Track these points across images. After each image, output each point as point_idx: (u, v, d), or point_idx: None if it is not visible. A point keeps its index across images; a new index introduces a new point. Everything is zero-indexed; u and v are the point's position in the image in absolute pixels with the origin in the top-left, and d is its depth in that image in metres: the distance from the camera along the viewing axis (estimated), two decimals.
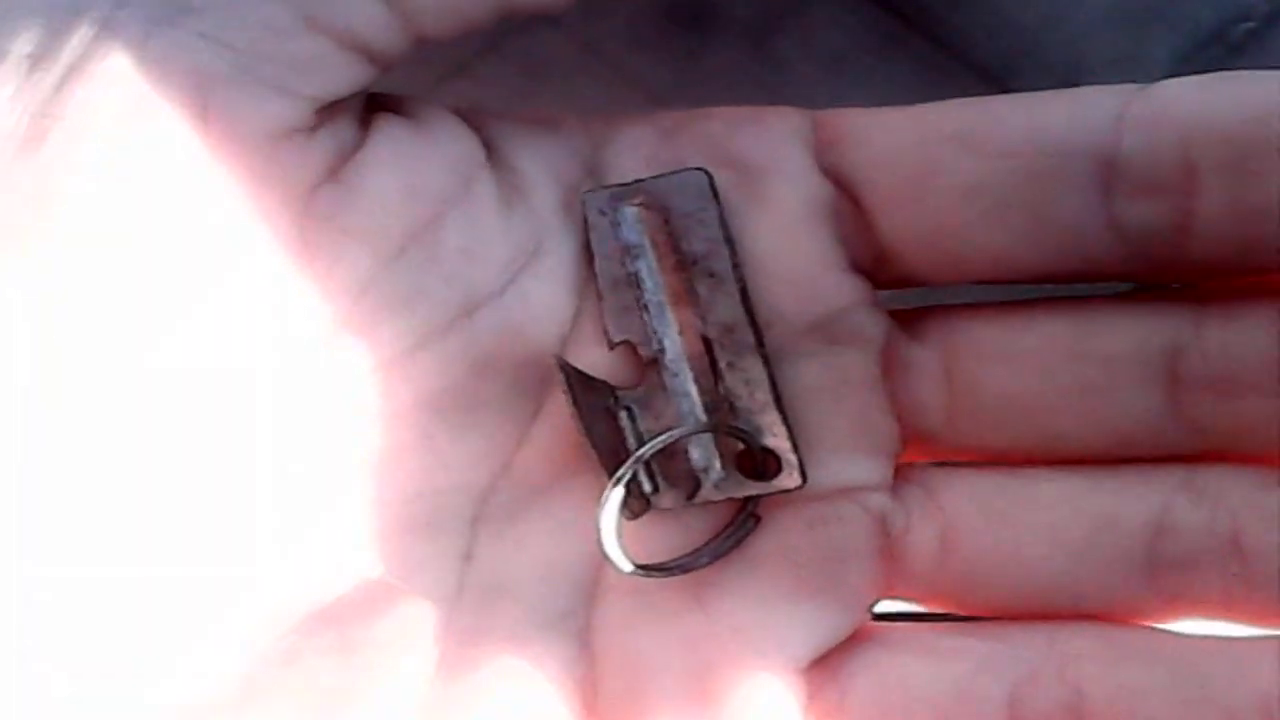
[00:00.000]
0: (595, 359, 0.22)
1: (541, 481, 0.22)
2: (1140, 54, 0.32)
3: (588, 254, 0.22)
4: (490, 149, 0.22)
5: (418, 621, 0.21)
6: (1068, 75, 0.33)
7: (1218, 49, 0.32)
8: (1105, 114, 0.20)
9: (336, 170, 0.20)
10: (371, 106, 0.21)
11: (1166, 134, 0.20)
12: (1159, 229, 0.20)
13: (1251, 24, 0.32)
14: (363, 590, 0.21)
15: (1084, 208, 0.20)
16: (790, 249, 0.22)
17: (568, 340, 0.22)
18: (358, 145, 0.20)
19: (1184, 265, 0.21)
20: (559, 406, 0.21)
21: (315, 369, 0.20)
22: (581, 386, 0.21)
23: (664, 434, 0.21)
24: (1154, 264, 0.21)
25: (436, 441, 0.21)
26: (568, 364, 0.21)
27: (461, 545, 0.22)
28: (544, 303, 0.22)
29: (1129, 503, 0.21)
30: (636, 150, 0.22)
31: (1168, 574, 0.21)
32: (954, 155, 0.21)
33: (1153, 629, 0.21)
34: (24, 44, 0.18)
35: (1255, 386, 0.20)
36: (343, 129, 0.20)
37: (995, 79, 0.33)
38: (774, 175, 0.22)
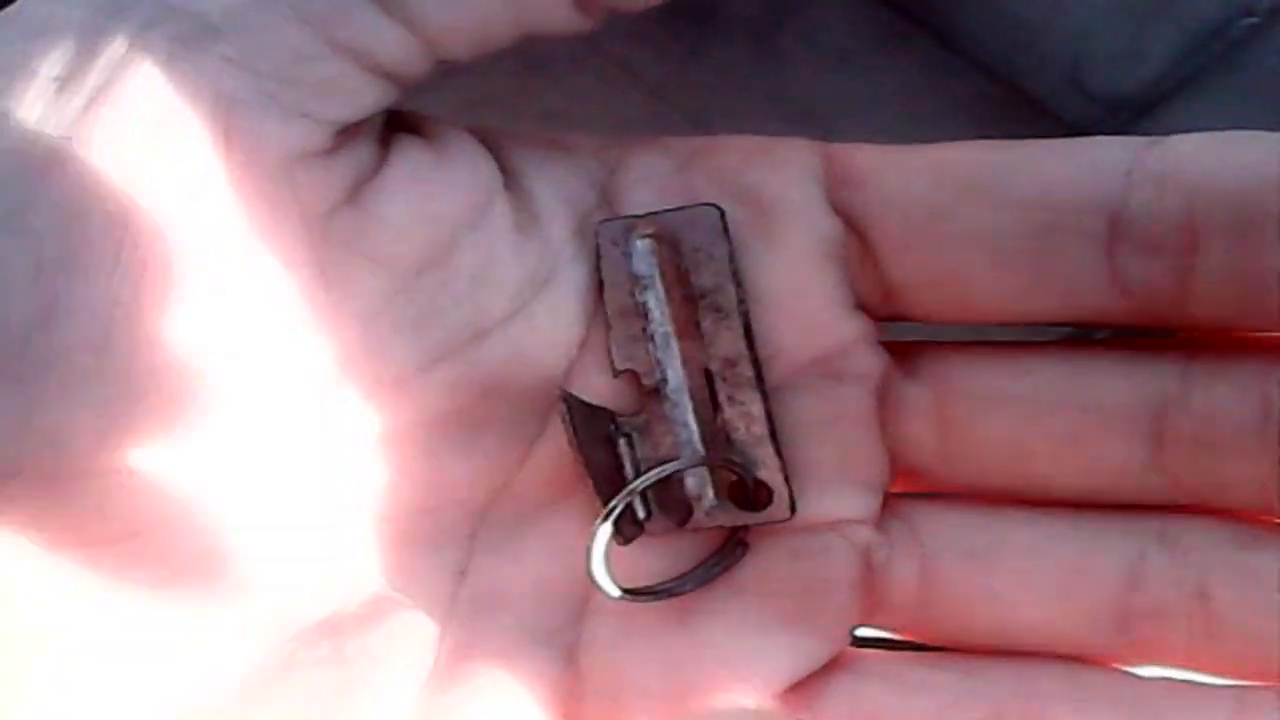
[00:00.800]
0: (599, 386, 0.22)
1: (539, 502, 0.22)
2: (1142, 49, 0.32)
3: (598, 282, 0.22)
4: (506, 173, 0.22)
5: (412, 633, 0.22)
6: (1070, 71, 0.33)
7: (1220, 44, 0.32)
8: (1114, 169, 0.20)
9: (354, 194, 0.20)
10: (391, 125, 0.21)
11: (1172, 193, 0.20)
12: (1159, 286, 0.20)
13: (1255, 19, 0.32)
14: (360, 603, 0.22)
15: (1089, 260, 0.21)
16: (798, 285, 0.22)
17: (573, 366, 0.22)
18: (377, 168, 0.21)
19: (1182, 320, 0.21)
20: (561, 430, 0.22)
21: (325, 388, 0.20)
22: (582, 417, 0.21)
23: (659, 466, 0.22)
24: (1153, 317, 0.21)
25: (439, 460, 0.22)
26: (571, 396, 0.21)
27: (459, 560, 0.22)
28: (552, 330, 0.22)
29: (1105, 551, 0.22)
30: (650, 180, 0.23)
31: (1137, 623, 0.22)
32: (964, 203, 0.21)
33: (1118, 671, 0.22)
34: (52, 66, 0.19)
35: (1235, 448, 0.21)
36: (362, 151, 0.20)
37: (998, 75, 0.33)
38: (785, 211, 0.22)
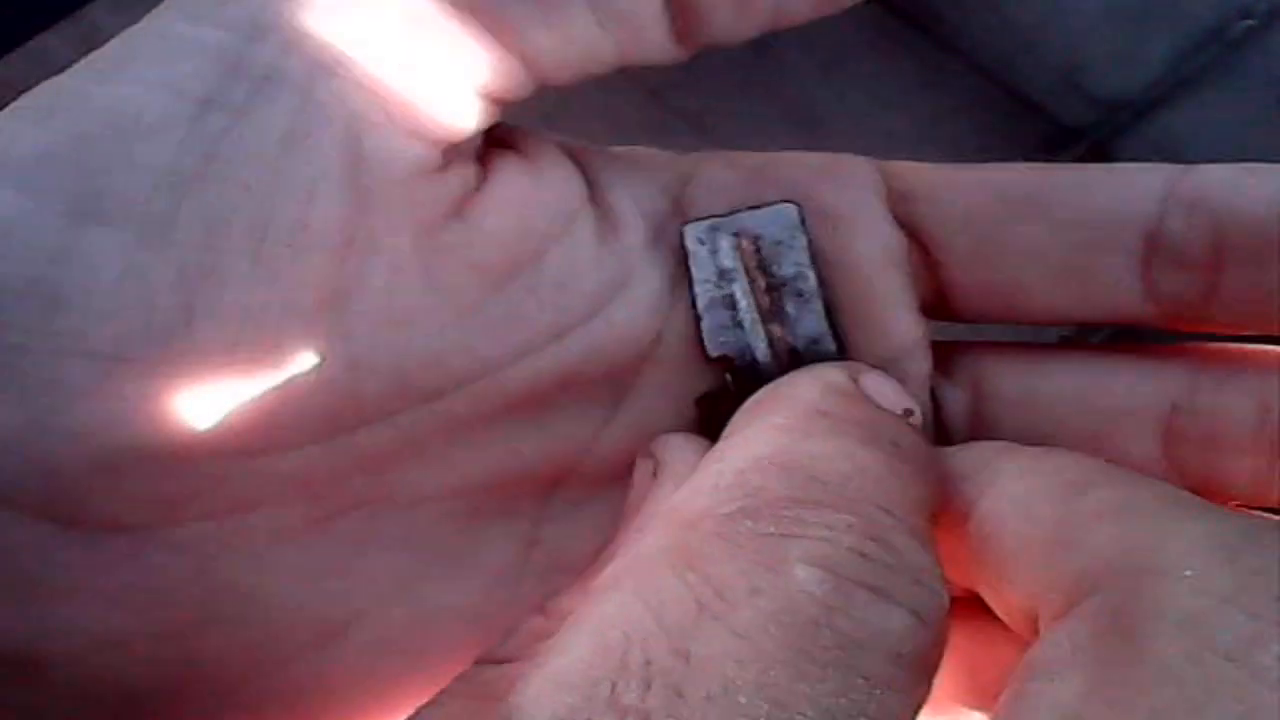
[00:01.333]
0: (669, 376, 0.24)
1: (608, 477, 0.24)
2: (1139, 51, 0.32)
3: (685, 278, 0.24)
4: (590, 185, 0.23)
5: (481, 594, 0.23)
6: (1068, 73, 0.33)
7: (1217, 46, 0.32)
8: (1151, 194, 0.23)
9: (461, 207, 0.22)
10: (488, 138, 0.23)
11: (1202, 218, 0.22)
12: (1187, 297, 0.23)
13: (1252, 21, 0.32)
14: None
15: (1126, 272, 0.23)
16: (867, 292, 0.24)
17: (645, 359, 0.24)
18: (480, 183, 0.22)
19: (1204, 325, 0.23)
20: (628, 414, 0.24)
21: (417, 378, 0.22)
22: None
23: None
24: (1179, 322, 0.23)
25: (515, 440, 0.23)
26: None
27: (528, 531, 0.24)
28: (627, 329, 0.23)
29: None
30: (719, 192, 0.24)
31: None
32: (1018, 219, 0.23)
33: None
34: (196, 86, 0.20)
35: (1234, 447, 0.22)
36: (466, 168, 0.22)
37: (996, 78, 0.33)
38: (853, 222, 0.24)
